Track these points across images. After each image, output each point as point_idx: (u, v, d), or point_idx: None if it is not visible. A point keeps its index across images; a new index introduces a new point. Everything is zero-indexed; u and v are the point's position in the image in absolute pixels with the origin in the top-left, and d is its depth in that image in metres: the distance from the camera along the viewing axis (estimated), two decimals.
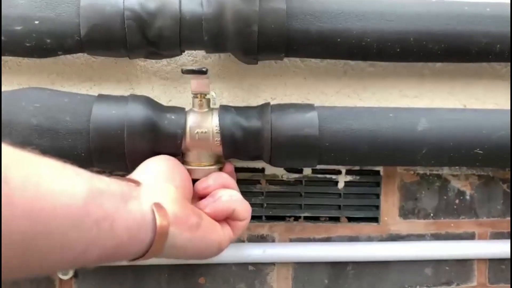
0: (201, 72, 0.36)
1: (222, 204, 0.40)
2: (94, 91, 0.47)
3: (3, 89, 0.44)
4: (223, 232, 0.40)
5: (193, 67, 0.35)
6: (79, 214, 0.27)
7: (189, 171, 0.42)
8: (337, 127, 0.42)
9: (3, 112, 0.39)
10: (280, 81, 0.49)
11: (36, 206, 0.25)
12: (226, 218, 0.41)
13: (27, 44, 0.41)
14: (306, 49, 0.43)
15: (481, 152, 0.44)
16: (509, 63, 0.49)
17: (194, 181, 0.42)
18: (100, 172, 0.33)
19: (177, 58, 0.48)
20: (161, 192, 0.36)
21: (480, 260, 0.55)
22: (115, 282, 0.51)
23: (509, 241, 0.53)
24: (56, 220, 0.26)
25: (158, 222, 0.33)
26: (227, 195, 0.41)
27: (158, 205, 0.34)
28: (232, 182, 0.43)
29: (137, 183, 0.35)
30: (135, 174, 0.38)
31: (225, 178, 0.43)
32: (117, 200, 0.31)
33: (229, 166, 0.45)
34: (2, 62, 0.46)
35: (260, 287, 0.53)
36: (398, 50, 0.44)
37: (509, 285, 0.55)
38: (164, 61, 0.48)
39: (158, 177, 0.38)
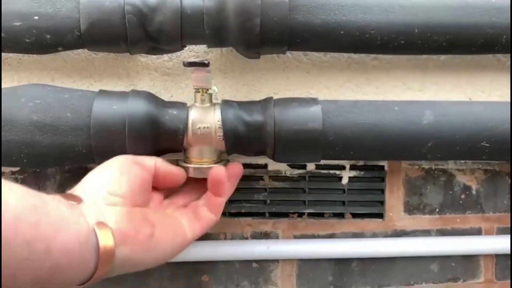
0: (203, 64, 0.35)
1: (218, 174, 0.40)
2: (95, 87, 0.47)
3: (2, 86, 0.43)
4: (188, 229, 0.38)
5: (195, 60, 0.34)
6: (7, 233, 0.25)
7: (188, 169, 0.42)
8: (341, 121, 0.41)
9: (3, 109, 0.38)
10: (283, 75, 0.49)
11: None
12: (198, 207, 0.40)
13: (27, 40, 0.40)
14: (309, 42, 0.42)
15: (488, 145, 0.43)
16: None
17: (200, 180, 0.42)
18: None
19: (179, 53, 0.47)
20: (105, 208, 0.33)
21: (487, 256, 0.54)
22: (117, 280, 0.51)
23: None
24: None
25: (101, 244, 0.30)
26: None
27: (101, 224, 0.31)
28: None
29: (77, 199, 0.33)
30: (77, 189, 0.35)
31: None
32: (56, 220, 0.28)
33: (235, 167, 0.44)
34: (2, 59, 0.46)
35: (264, 284, 0.52)
36: (403, 42, 0.43)
37: None
38: (165, 57, 0.47)
39: (100, 189, 0.34)
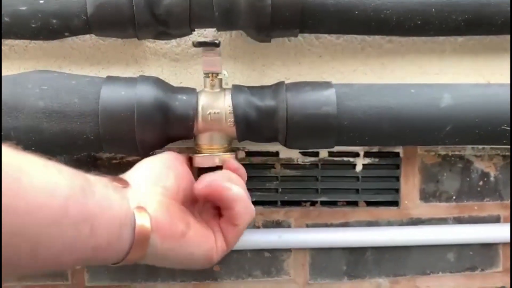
0: (213, 44, 0.34)
1: (227, 193, 0.35)
2: (103, 74, 0.45)
3: (9, 73, 0.42)
4: (216, 243, 0.36)
5: (205, 39, 0.33)
6: (57, 214, 0.26)
7: (196, 159, 0.40)
8: (356, 104, 0.40)
9: (9, 95, 0.38)
10: (294, 60, 0.48)
11: (14, 202, 0.23)
12: (221, 221, 0.37)
13: (33, 25, 0.39)
14: (322, 23, 0.41)
15: (508, 128, 0.42)
16: None
17: (204, 171, 0.39)
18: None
19: (187, 38, 0.46)
20: (147, 195, 0.34)
21: (506, 244, 0.53)
22: (128, 271, 0.50)
23: None
24: (31, 218, 0.24)
25: (138, 224, 0.31)
26: (237, 188, 0.36)
27: (140, 209, 0.32)
28: (242, 183, 0.38)
29: (125, 183, 0.34)
30: (127, 174, 0.36)
31: (234, 177, 0.38)
32: (101, 200, 0.29)
33: (232, 163, 0.39)
34: (8, 47, 0.45)
35: (276, 273, 0.51)
36: (419, 22, 0.42)
37: None
38: (174, 42, 0.46)
39: (147, 178, 0.35)
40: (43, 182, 0.25)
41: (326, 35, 0.47)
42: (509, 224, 0.52)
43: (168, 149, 0.41)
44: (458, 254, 0.52)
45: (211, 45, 0.34)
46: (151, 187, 0.35)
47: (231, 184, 0.36)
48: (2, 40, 0.44)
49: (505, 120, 0.41)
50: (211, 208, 0.39)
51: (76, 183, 0.28)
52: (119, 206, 0.31)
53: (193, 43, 0.35)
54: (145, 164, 0.37)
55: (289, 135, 0.41)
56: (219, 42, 0.34)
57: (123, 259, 0.31)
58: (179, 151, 0.49)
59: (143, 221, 0.31)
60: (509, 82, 0.48)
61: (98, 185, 0.30)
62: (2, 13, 0.39)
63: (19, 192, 0.24)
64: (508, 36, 0.48)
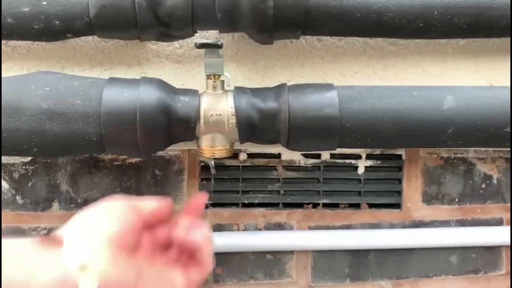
0: (215, 45, 0.34)
1: (195, 235, 0.34)
2: (105, 76, 0.46)
3: (12, 74, 0.43)
4: (176, 284, 0.34)
5: (207, 41, 0.33)
6: None
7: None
8: (358, 106, 0.40)
9: (12, 97, 0.38)
10: (296, 62, 0.48)
11: None
12: (185, 260, 0.36)
13: (35, 27, 0.39)
14: (324, 25, 0.41)
15: (510, 131, 0.41)
16: None
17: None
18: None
19: (189, 40, 0.46)
20: (91, 250, 0.31)
21: (509, 247, 0.52)
22: None
23: None
24: None
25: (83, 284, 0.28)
26: (202, 232, 0.35)
27: (83, 267, 0.29)
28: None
29: (58, 243, 0.30)
30: (63, 230, 0.33)
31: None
32: (26, 266, 0.27)
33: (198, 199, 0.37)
34: (11, 48, 0.45)
35: (278, 276, 0.51)
36: (421, 25, 0.41)
37: None
38: (176, 44, 0.46)
39: (89, 230, 0.32)
40: None
41: (328, 37, 0.47)
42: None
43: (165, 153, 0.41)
44: (461, 257, 0.52)
45: (214, 46, 0.34)
46: (93, 239, 0.31)
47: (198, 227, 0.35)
48: (5, 41, 0.44)
49: (508, 123, 0.41)
50: (165, 250, 0.37)
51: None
52: (50, 269, 0.28)
53: (195, 44, 0.35)
54: (84, 215, 0.34)
55: (291, 137, 0.40)
56: (222, 44, 0.34)
57: None
58: (181, 153, 0.49)
59: (88, 280, 0.29)
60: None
61: (27, 244, 0.28)
62: (5, 14, 0.39)
63: None
64: (510, 39, 0.48)
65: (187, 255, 0.36)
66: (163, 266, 0.35)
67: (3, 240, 0.28)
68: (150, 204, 0.35)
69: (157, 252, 0.36)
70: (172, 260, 0.36)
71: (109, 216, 0.33)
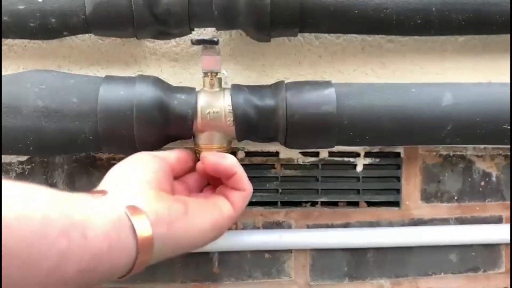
0: (212, 42, 0.34)
1: (225, 161, 0.37)
2: (102, 74, 0.45)
3: (8, 73, 0.42)
4: (222, 208, 0.36)
5: (204, 37, 0.33)
6: (39, 223, 0.24)
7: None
8: (356, 103, 0.40)
9: (8, 95, 0.37)
10: (294, 60, 0.47)
11: None
12: (224, 189, 0.38)
13: (31, 24, 0.39)
14: (322, 22, 0.41)
15: (510, 127, 0.41)
16: None
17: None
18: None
19: (186, 38, 0.46)
20: (134, 193, 0.32)
21: (508, 245, 0.52)
22: None
23: None
24: (10, 232, 0.23)
25: (136, 225, 0.29)
26: (231, 157, 0.38)
27: (132, 208, 0.30)
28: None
29: (102, 192, 0.32)
30: (100, 185, 0.34)
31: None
32: (84, 208, 0.28)
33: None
34: (7, 46, 0.45)
35: (277, 275, 0.51)
36: (419, 22, 0.41)
37: None
38: (173, 42, 0.46)
39: (125, 179, 0.34)
40: (20, 193, 0.24)
41: (326, 35, 0.47)
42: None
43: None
44: (460, 255, 0.52)
45: (210, 42, 0.34)
46: (132, 185, 0.33)
47: (224, 155, 0.38)
48: (1, 39, 0.44)
49: (507, 120, 0.41)
50: (208, 189, 0.41)
51: (53, 194, 0.27)
52: (105, 210, 0.29)
53: (191, 40, 0.34)
54: (116, 169, 0.35)
55: (289, 135, 0.40)
56: (218, 40, 0.34)
57: (134, 264, 0.30)
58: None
59: (139, 219, 0.30)
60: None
61: (77, 196, 0.29)
62: (1, 12, 0.38)
63: None
64: (509, 36, 0.47)
65: (222, 186, 0.38)
66: (204, 198, 0.37)
67: (64, 193, 0.29)
68: (174, 153, 0.39)
69: (193, 195, 0.39)
70: (213, 191, 0.39)
71: (141, 165, 0.35)
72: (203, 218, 0.34)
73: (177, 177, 0.39)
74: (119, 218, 0.29)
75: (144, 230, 0.29)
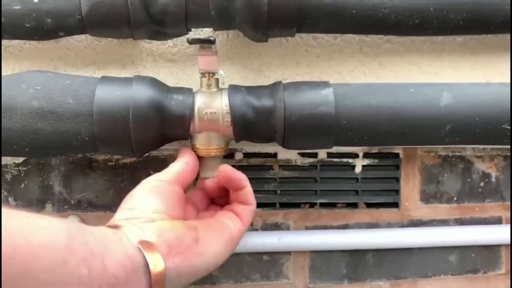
0: (208, 41, 0.34)
1: (237, 173, 0.38)
2: (98, 75, 0.45)
3: (4, 74, 0.42)
4: (231, 225, 0.37)
5: (200, 36, 0.33)
6: (62, 252, 0.25)
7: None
8: (354, 103, 0.39)
9: (3, 96, 0.37)
10: (292, 60, 0.47)
11: (10, 245, 0.22)
12: (233, 206, 0.39)
13: (27, 25, 0.39)
14: (319, 22, 0.41)
15: (509, 127, 0.41)
16: None
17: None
18: None
19: (183, 39, 0.45)
20: (145, 226, 0.32)
21: (508, 246, 0.52)
22: None
23: None
24: (35, 259, 0.23)
25: (151, 264, 0.29)
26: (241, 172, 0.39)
27: (144, 244, 0.30)
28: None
29: (116, 226, 0.32)
30: (112, 220, 0.35)
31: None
32: (102, 239, 0.29)
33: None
34: (3, 47, 0.45)
35: (275, 277, 0.50)
36: (417, 21, 0.41)
37: None
38: (170, 43, 0.46)
39: (137, 211, 0.34)
40: (39, 224, 0.25)
41: (323, 35, 0.46)
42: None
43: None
44: (460, 256, 0.52)
45: (206, 41, 0.34)
46: (143, 217, 0.33)
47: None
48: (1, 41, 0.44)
49: (505, 120, 0.41)
50: (212, 206, 0.42)
51: (72, 225, 0.28)
52: (121, 243, 0.30)
53: (187, 40, 0.34)
54: (127, 201, 0.36)
55: (286, 135, 0.40)
56: (214, 39, 0.34)
57: None
58: (176, 153, 0.49)
59: (153, 256, 0.30)
60: (508, 81, 0.48)
61: (93, 227, 0.30)
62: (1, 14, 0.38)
63: (13, 236, 0.23)
64: (507, 36, 0.47)
65: (230, 202, 0.39)
66: (212, 217, 0.38)
67: (82, 224, 0.30)
68: (181, 167, 0.39)
69: (200, 214, 0.39)
70: (219, 209, 0.40)
71: (154, 195, 0.35)
72: (215, 241, 0.35)
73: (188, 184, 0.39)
74: (133, 252, 0.30)
75: (156, 265, 0.30)
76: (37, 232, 0.24)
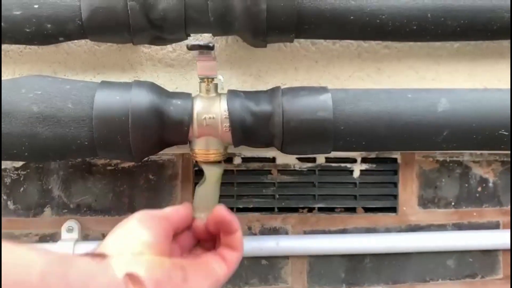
0: (207, 47, 0.34)
1: (232, 216, 0.37)
2: (98, 80, 0.45)
3: (4, 78, 0.42)
4: (218, 269, 0.36)
5: (199, 42, 0.33)
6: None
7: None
8: (352, 109, 0.40)
9: (3, 100, 0.37)
10: (291, 65, 0.47)
11: None
12: (220, 249, 0.38)
13: (27, 30, 0.39)
14: (318, 28, 0.41)
15: (506, 133, 0.41)
16: None
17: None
18: None
19: (183, 44, 0.46)
20: (133, 258, 0.31)
21: (506, 251, 0.52)
22: None
23: None
24: None
25: None
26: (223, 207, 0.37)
27: (131, 277, 0.29)
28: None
29: (102, 256, 0.31)
30: (100, 247, 0.33)
31: None
32: (83, 271, 0.27)
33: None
34: (3, 52, 0.45)
35: (274, 281, 0.50)
36: (415, 27, 0.41)
37: None
38: (169, 47, 0.46)
39: (126, 242, 0.33)
40: (18, 257, 0.24)
41: (322, 41, 0.47)
42: (508, 231, 0.51)
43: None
44: (458, 261, 0.52)
45: (205, 47, 0.34)
46: (133, 249, 0.32)
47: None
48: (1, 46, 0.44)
49: (503, 125, 0.41)
50: (198, 248, 0.40)
51: (52, 258, 0.26)
52: (105, 276, 0.28)
53: (187, 46, 0.34)
54: (117, 231, 0.34)
55: (285, 141, 0.40)
56: (213, 45, 0.34)
57: None
58: (175, 157, 0.49)
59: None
60: (506, 87, 0.48)
61: (77, 258, 0.28)
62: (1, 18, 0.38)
63: None
64: (505, 42, 0.48)
65: (217, 245, 0.38)
66: (199, 259, 0.37)
67: (64, 255, 0.28)
68: (176, 212, 0.37)
69: (184, 255, 0.38)
70: (206, 251, 0.39)
71: (144, 228, 0.33)
72: (202, 282, 0.34)
73: (176, 234, 0.38)
74: (118, 285, 0.29)
75: None
76: (12, 268, 0.23)
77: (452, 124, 0.41)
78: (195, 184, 0.50)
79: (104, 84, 0.39)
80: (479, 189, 0.52)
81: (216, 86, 0.41)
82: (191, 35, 0.44)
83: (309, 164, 0.50)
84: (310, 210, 0.50)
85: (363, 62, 0.48)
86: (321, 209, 0.50)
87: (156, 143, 0.40)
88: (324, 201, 0.50)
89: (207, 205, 0.40)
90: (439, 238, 0.50)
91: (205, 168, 0.41)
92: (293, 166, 0.50)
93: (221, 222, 0.37)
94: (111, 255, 0.31)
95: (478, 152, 0.51)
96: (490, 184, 0.52)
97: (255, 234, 0.50)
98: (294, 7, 0.39)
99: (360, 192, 0.50)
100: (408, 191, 0.51)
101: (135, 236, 0.33)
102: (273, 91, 0.41)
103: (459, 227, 0.52)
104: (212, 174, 0.41)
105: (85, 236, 0.49)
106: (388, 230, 0.51)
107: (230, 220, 0.37)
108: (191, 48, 0.34)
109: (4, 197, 0.48)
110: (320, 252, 0.50)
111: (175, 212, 0.37)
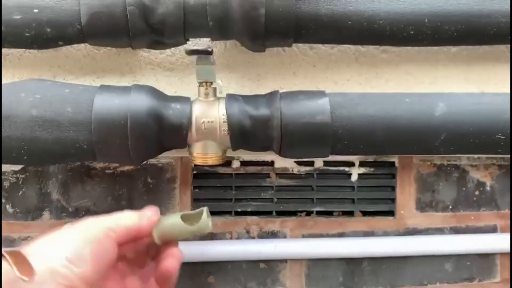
0: (206, 52, 0.34)
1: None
2: (97, 84, 0.45)
3: (3, 82, 0.42)
4: None
5: (198, 47, 0.33)
6: None
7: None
8: (350, 113, 0.40)
9: (2, 104, 0.37)
10: (289, 69, 0.48)
11: None
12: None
13: (27, 34, 0.39)
14: (316, 33, 0.41)
15: (503, 137, 0.41)
16: None
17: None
18: None
19: (182, 48, 0.46)
20: (62, 280, 0.29)
21: (503, 254, 0.52)
22: None
23: None
24: None
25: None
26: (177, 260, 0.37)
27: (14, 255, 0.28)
28: None
29: (29, 273, 0.28)
30: (32, 248, 0.30)
31: None
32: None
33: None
34: (3, 56, 0.45)
35: (272, 285, 0.50)
36: (412, 32, 0.42)
37: None
38: (169, 52, 0.46)
39: (60, 257, 0.30)
40: None
41: (320, 45, 0.47)
42: (506, 234, 0.52)
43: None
44: (455, 265, 0.52)
45: (204, 52, 0.34)
46: (64, 268, 0.29)
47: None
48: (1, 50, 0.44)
49: (500, 129, 0.41)
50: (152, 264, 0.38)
51: None
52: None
53: (185, 51, 0.35)
54: (56, 237, 0.32)
55: (283, 144, 0.40)
56: (212, 50, 0.34)
57: None
58: (174, 161, 0.49)
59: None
60: (502, 91, 0.49)
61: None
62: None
63: None
64: (501, 46, 0.48)
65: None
66: (144, 281, 0.37)
67: None
68: (128, 221, 0.35)
69: (136, 263, 0.37)
70: (143, 281, 0.37)
71: (84, 244, 0.31)
72: None
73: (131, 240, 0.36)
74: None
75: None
76: None
77: (450, 128, 0.41)
78: (194, 187, 0.50)
79: (103, 88, 0.40)
80: (477, 192, 0.52)
81: (214, 90, 0.41)
82: (190, 39, 0.44)
83: (307, 168, 0.50)
84: (308, 213, 0.51)
85: (361, 66, 0.48)
86: (319, 213, 0.50)
87: (155, 147, 0.40)
88: (322, 205, 0.50)
89: (169, 237, 0.37)
90: (436, 241, 0.51)
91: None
92: (292, 169, 0.50)
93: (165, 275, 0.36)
94: (38, 274, 0.28)
95: (476, 156, 0.51)
96: (488, 188, 0.52)
97: (253, 238, 0.50)
98: (293, 11, 0.39)
99: (358, 196, 0.50)
100: (406, 195, 0.51)
101: (72, 253, 0.30)
102: (271, 95, 0.41)
103: (456, 230, 0.52)
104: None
105: None
106: (386, 233, 0.51)
107: (165, 268, 0.36)
108: (189, 53, 0.34)
109: (2, 200, 0.48)
110: (318, 256, 0.50)
111: (125, 223, 0.35)
